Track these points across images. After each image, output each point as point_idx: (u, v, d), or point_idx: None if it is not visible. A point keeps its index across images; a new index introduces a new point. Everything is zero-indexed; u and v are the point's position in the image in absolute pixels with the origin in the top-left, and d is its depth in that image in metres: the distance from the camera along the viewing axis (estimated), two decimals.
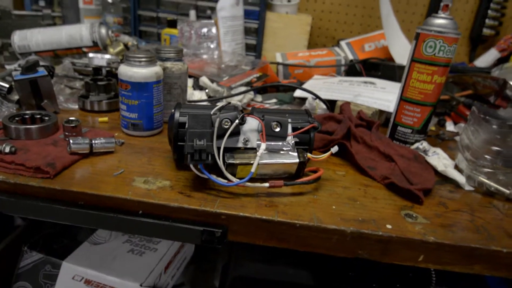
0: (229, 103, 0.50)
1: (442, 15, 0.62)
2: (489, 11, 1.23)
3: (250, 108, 0.83)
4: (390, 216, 0.47)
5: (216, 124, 0.46)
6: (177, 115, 0.50)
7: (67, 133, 0.58)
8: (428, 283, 0.72)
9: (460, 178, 0.58)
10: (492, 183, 0.56)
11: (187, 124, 0.47)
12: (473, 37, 1.29)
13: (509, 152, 0.57)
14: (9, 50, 1.01)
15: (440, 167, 0.60)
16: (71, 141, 0.53)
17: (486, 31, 1.26)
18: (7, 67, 0.97)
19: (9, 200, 0.47)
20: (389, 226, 0.45)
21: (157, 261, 0.73)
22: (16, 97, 0.70)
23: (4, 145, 0.52)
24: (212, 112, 0.49)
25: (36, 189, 0.47)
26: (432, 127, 0.86)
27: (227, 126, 0.48)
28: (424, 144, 0.67)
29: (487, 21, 1.24)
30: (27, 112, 0.62)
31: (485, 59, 1.24)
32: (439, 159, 0.63)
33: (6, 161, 0.50)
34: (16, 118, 0.60)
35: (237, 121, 0.48)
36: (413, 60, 0.65)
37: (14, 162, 0.50)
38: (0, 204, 0.48)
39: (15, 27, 1.00)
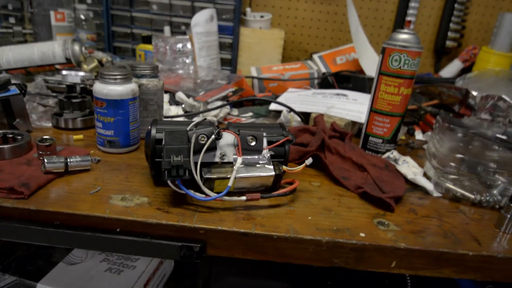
0: (205, 118, 0.51)
1: (406, 31, 0.66)
2: (451, 24, 1.31)
3: (226, 123, 0.85)
4: (363, 224, 0.49)
5: (193, 140, 0.47)
6: (153, 131, 0.51)
7: (41, 152, 0.57)
8: None
9: (429, 185, 0.61)
10: (458, 189, 0.60)
11: (163, 141, 0.48)
12: (438, 49, 1.36)
13: (472, 159, 0.60)
14: None
15: (409, 175, 0.63)
16: (45, 160, 0.53)
17: (449, 43, 1.33)
18: None
19: None
20: (362, 235, 0.46)
21: (136, 279, 0.72)
22: None
23: None
24: (188, 128, 0.50)
25: (10, 210, 0.46)
26: (402, 136, 0.90)
27: (203, 142, 0.49)
28: (394, 153, 0.70)
29: (449, 33, 1.32)
30: None
31: (450, 70, 1.31)
32: (408, 167, 0.66)
33: None
34: None
35: (213, 136, 0.49)
36: (380, 73, 0.68)
37: None
38: None
39: None
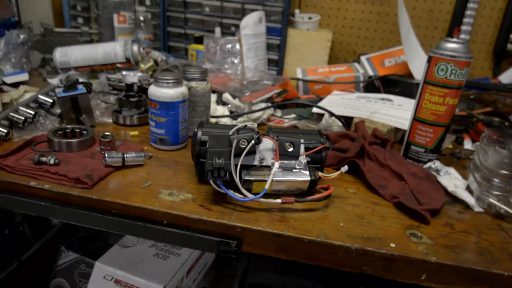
0: (246, 125, 0.55)
1: (454, 39, 0.64)
2: None
3: (269, 124, 0.88)
4: (395, 234, 0.50)
5: (234, 144, 0.51)
6: (199, 134, 0.56)
7: (102, 147, 0.64)
8: None
9: (470, 199, 0.60)
10: (502, 205, 0.58)
11: (208, 143, 0.52)
12: (497, 52, 1.28)
13: None
14: (51, 65, 1.10)
15: (450, 188, 0.62)
16: (106, 155, 0.59)
17: (510, 45, 1.25)
18: (49, 80, 1.06)
19: (54, 207, 0.54)
20: (392, 245, 0.48)
21: (180, 266, 0.78)
22: (58, 111, 0.78)
23: (49, 157, 0.59)
24: (230, 133, 0.54)
25: (76, 198, 0.53)
26: (449, 145, 0.87)
27: (244, 146, 0.52)
28: (436, 164, 0.69)
29: (511, 36, 1.23)
30: (68, 126, 0.69)
31: (510, 75, 1.23)
32: (450, 179, 0.65)
33: (51, 172, 0.57)
34: (59, 132, 0.67)
35: (253, 141, 0.52)
36: (425, 82, 0.67)
37: (57, 173, 0.56)
38: (45, 210, 0.55)
39: (56, 43, 1.10)
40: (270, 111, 0.89)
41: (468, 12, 1.21)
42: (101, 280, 0.74)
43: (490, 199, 0.59)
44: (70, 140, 0.64)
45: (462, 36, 1.23)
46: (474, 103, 1.06)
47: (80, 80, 0.85)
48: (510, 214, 0.57)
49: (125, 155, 0.61)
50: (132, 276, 0.73)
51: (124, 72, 0.89)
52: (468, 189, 0.63)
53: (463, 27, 1.23)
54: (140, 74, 0.89)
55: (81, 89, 0.76)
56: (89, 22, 1.36)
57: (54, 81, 1.03)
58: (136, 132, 0.76)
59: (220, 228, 0.50)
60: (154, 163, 0.64)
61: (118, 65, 1.06)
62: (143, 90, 0.87)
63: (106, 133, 0.65)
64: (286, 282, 0.77)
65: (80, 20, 1.37)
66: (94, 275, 0.75)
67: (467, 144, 0.88)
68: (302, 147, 0.55)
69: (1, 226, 1.05)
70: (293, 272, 0.78)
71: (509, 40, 1.24)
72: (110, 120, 0.81)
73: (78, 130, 0.69)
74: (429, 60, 0.66)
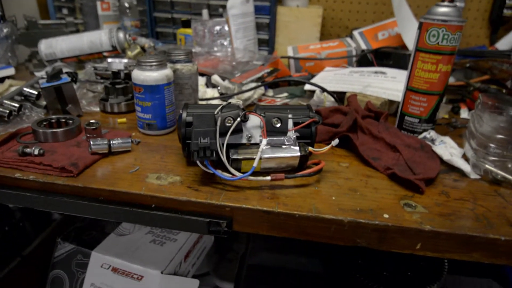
0: (230, 102, 0.53)
1: (445, 3, 0.62)
2: None
3: (260, 104, 0.87)
4: (389, 205, 0.49)
5: (218, 123, 0.49)
6: (184, 115, 0.54)
7: (88, 135, 0.63)
8: (440, 271, 0.72)
9: (465, 167, 0.58)
10: (498, 171, 0.56)
11: (193, 124, 0.51)
12: (494, 19, 1.24)
13: None
14: (37, 58, 1.08)
15: (445, 156, 0.61)
16: (91, 142, 0.58)
17: (507, 12, 1.21)
18: (36, 74, 1.05)
19: (39, 197, 0.53)
20: (386, 216, 0.46)
21: (177, 251, 0.78)
22: (43, 102, 0.77)
23: (33, 148, 0.57)
24: (215, 112, 0.52)
25: (62, 187, 0.52)
26: (445, 115, 0.86)
27: (230, 124, 0.51)
28: (431, 133, 0.67)
29: (507, 1, 1.20)
30: (53, 116, 0.68)
31: (507, 41, 1.20)
32: (446, 148, 0.63)
33: (36, 162, 0.55)
34: (44, 123, 0.66)
35: (238, 119, 0.51)
36: (417, 49, 0.65)
37: (42, 163, 0.55)
38: (31, 201, 0.54)
39: (41, 35, 1.08)
40: (261, 91, 0.87)
41: None
42: (98, 269, 0.74)
43: (487, 165, 0.57)
44: (55, 130, 0.63)
45: (457, 2, 1.20)
46: (471, 72, 1.03)
47: (65, 70, 0.83)
48: (508, 179, 0.56)
49: (111, 142, 0.59)
50: (129, 263, 0.72)
51: (109, 60, 0.87)
52: (464, 157, 0.62)
53: None
54: (126, 60, 0.87)
55: (65, 78, 0.74)
56: (74, 12, 1.34)
57: (41, 74, 1.01)
58: (124, 119, 0.74)
59: (210, 209, 0.49)
60: (142, 148, 0.63)
61: (105, 54, 1.04)
62: (130, 76, 0.85)
63: (92, 121, 0.63)
64: (284, 261, 0.76)
65: (65, 11, 1.34)
66: (91, 264, 0.74)
67: (464, 113, 0.86)
68: (290, 122, 0.54)
69: (1, 223, 1.05)
70: (292, 251, 0.78)
71: (506, 6, 1.21)
72: (98, 109, 0.80)
73: (63, 120, 0.68)
74: (420, 26, 0.64)
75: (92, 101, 0.83)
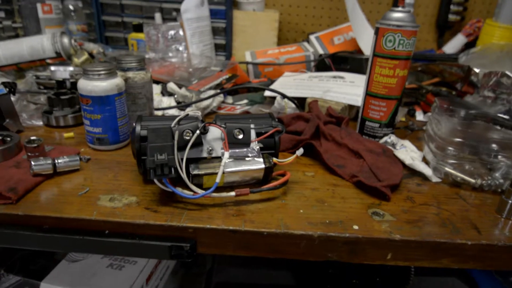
0: (188, 114, 0.49)
1: (400, 9, 0.62)
2: None
3: (220, 112, 0.83)
4: (357, 216, 0.48)
5: (176, 137, 0.46)
6: (137, 128, 0.50)
7: (29, 154, 0.56)
8: (407, 275, 0.73)
9: (427, 171, 0.59)
10: (458, 173, 0.58)
11: (147, 139, 0.47)
12: (440, 24, 1.31)
13: (473, 141, 0.58)
14: None
15: (407, 161, 0.61)
16: (32, 162, 0.52)
17: (451, 17, 1.28)
18: None
19: None
20: (356, 227, 0.45)
21: (137, 274, 0.72)
22: None
23: None
24: (172, 125, 0.48)
25: None
26: (402, 117, 0.88)
27: (188, 137, 0.47)
28: (392, 138, 0.68)
29: (452, 7, 1.26)
30: None
31: (453, 45, 1.26)
32: (406, 152, 0.64)
33: None
34: None
35: (198, 131, 0.47)
36: (374, 54, 0.65)
37: None
38: None
39: None
40: (220, 98, 0.84)
41: None
42: None
43: (446, 168, 0.59)
44: None
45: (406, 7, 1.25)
46: (422, 75, 1.07)
47: (2, 80, 0.75)
48: (466, 181, 0.57)
49: (56, 161, 0.53)
50: None
51: (52, 68, 0.79)
52: (424, 160, 0.63)
53: (407, 0, 1.24)
54: (71, 68, 0.80)
55: (1, 90, 0.66)
56: (12, 16, 1.22)
57: None
58: (71, 134, 0.68)
59: (171, 231, 0.45)
60: (92, 166, 0.57)
61: (48, 61, 0.95)
62: (76, 86, 0.78)
63: (32, 138, 0.57)
64: (254, 276, 0.73)
65: (1, 14, 1.22)
66: None
67: (419, 116, 0.89)
68: (253, 132, 0.51)
69: None
70: (261, 264, 0.75)
71: (450, 11, 1.27)
72: (41, 123, 0.72)
73: (0, 138, 0.60)
74: (377, 31, 0.64)
75: (34, 114, 0.75)
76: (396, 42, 0.62)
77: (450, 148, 0.58)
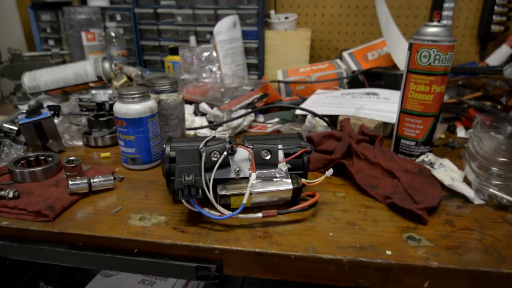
0: (214, 136, 0.50)
1: (434, 23, 0.60)
2: (496, 7, 1.19)
3: (251, 130, 0.84)
4: (390, 240, 0.45)
5: (203, 158, 0.46)
6: (167, 150, 0.51)
7: (68, 173, 0.59)
8: None
9: (468, 192, 0.55)
10: (503, 195, 0.53)
11: (176, 160, 0.48)
12: (482, 35, 1.24)
13: None
14: (21, 91, 1.05)
15: (446, 181, 0.57)
16: (70, 182, 0.54)
17: (494, 27, 1.21)
18: (20, 107, 1.02)
19: (12, 245, 0.49)
20: (388, 252, 0.43)
21: None
22: (24, 139, 0.73)
23: (8, 190, 0.53)
24: (200, 146, 0.49)
25: (37, 233, 0.48)
26: (441, 134, 0.83)
27: (216, 158, 0.48)
28: (430, 157, 0.65)
29: (494, 17, 1.20)
30: (31, 154, 0.64)
31: (497, 56, 1.20)
32: (446, 172, 0.60)
33: (9, 206, 0.51)
34: (22, 162, 0.62)
35: (225, 152, 0.47)
36: (409, 71, 0.63)
37: (16, 207, 0.51)
38: (4, 249, 0.49)
39: (26, 68, 1.05)
40: (251, 117, 0.84)
41: None
42: None
43: (490, 190, 0.54)
44: (32, 170, 0.59)
45: (444, 20, 1.20)
46: (464, 89, 1.02)
47: (48, 103, 0.80)
48: None
49: (92, 180, 0.56)
50: None
51: (93, 91, 0.84)
52: (466, 180, 0.59)
53: (444, 13, 1.20)
54: (110, 91, 0.85)
55: (45, 113, 0.71)
56: (60, 43, 1.32)
57: (25, 107, 0.98)
58: (108, 154, 0.71)
59: (197, 252, 0.45)
60: (125, 185, 0.59)
61: (91, 84, 1.01)
62: None
63: (71, 158, 0.60)
64: None
65: (51, 42, 1.32)
66: None
67: (460, 132, 0.84)
68: (280, 153, 0.50)
69: None
70: (291, 285, 0.73)
71: (493, 22, 1.21)
72: (81, 143, 0.76)
73: (42, 158, 0.64)
74: (410, 47, 0.62)
75: (76, 134, 0.79)
76: (432, 57, 0.59)
77: (494, 168, 0.54)
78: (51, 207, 0.50)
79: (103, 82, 1.01)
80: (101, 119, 0.75)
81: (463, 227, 0.49)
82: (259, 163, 0.49)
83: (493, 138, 0.56)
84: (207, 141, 0.49)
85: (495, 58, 1.19)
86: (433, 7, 1.22)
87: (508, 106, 0.84)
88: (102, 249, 0.47)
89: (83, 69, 0.99)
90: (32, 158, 0.64)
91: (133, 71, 1.09)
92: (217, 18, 1.16)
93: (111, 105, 0.83)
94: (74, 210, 0.52)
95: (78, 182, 0.54)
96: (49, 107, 0.76)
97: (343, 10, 1.29)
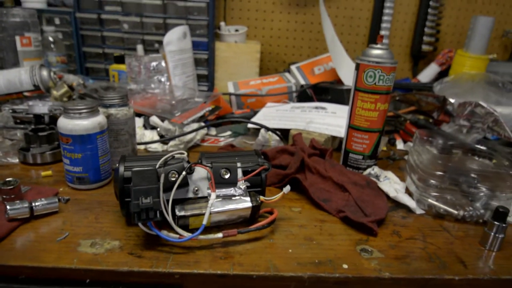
0: (173, 156, 0.49)
1: (379, 46, 0.65)
2: (426, 29, 1.32)
3: (203, 144, 0.83)
4: (346, 253, 0.47)
5: (162, 180, 0.45)
6: (121, 169, 0.48)
7: (4, 196, 0.53)
8: None
9: (411, 203, 0.60)
10: (440, 205, 0.59)
11: (131, 181, 0.46)
12: (414, 54, 1.36)
13: (453, 172, 0.59)
14: None
15: (391, 193, 0.62)
16: (8, 206, 0.49)
17: (425, 47, 1.34)
18: None
19: None
20: (345, 266, 0.45)
21: None
22: None
23: None
24: (157, 166, 0.47)
25: None
26: (383, 147, 0.89)
27: (174, 179, 0.46)
28: (375, 169, 0.69)
29: (424, 38, 1.33)
30: None
31: (427, 74, 1.32)
32: (390, 184, 0.65)
33: None
34: None
35: (184, 172, 0.46)
36: (356, 89, 0.67)
37: None
38: None
39: None
40: (203, 131, 0.83)
41: (385, 18, 1.28)
42: None
43: (429, 200, 0.60)
44: None
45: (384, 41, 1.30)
46: (400, 103, 1.11)
47: None
48: (449, 212, 0.58)
49: (34, 204, 0.51)
50: None
51: (30, 103, 0.77)
52: (407, 191, 0.64)
53: (382, 32, 1.29)
54: (50, 103, 0.78)
55: None
56: None
57: None
58: (49, 172, 0.65)
59: (156, 278, 0.43)
60: (72, 207, 0.55)
61: (26, 94, 0.93)
62: (55, 121, 0.76)
63: (8, 179, 0.54)
64: None
65: None
66: None
67: (399, 145, 0.91)
68: (239, 171, 0.51)
69: None
70: None
71: (423, 42, 1.33)
72: (17, 160, 0.69)
73: None
74: (357, 67, 0.66)
75: (10, 150, 0.72)
76: (377, 77, 0.64)
77: (432, 180, 0.59)
78: None
79: (40, 91, 0.93)
80: (40, 133, 0.69)
81: (408, 236, 0.53)
82: (218, 182, 0.49)
83: (430, 152, 0.62)
84: (166, 160, 0.47)
85: (425, 75, 1.32)
86: (372, 27, 1.32)
87: (439, 120, 0.93)
88: (49, 281, 0.43)
89: (17, 77, 0.90)
90: None
91: (74, 79, 1.03)
92: (166, 27, 1.14)
93: (51, 118, 0.77)
94: (13, 238, 0.47)
95: (18, 206, 0.50)
96: None
97: (290, 25, 1.33)
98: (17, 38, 1.00)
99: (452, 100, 0.88)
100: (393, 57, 0.65)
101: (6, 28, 1.01)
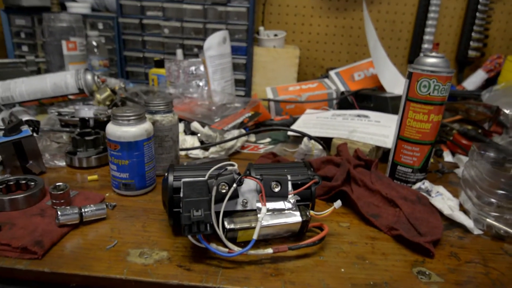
0: (226, 169, 0.48)
1: (434, 54, 0.61)
2: (473, 33, 1.25)
3: (243, 151, 0.82)
4: (402, 275, 0.45)
5: (214, 193, 0.44)
6: (170, 179, 0.48)
7: (54, 201, 0.54)
8: None
9: (468, 223, 0.56)
10: (501, 225, 0.55)
11: (181, 193, 0.45)
12: (460, 59, 1.30)
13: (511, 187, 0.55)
14: None
15: (446, 211, 0.58)
16: (59, 212, 0.50)
17: (471, 53, 1.28)
18: None
19: None
20: None
21: None
22: None
23: None
24: (207, 177, 0.46)
25: (24, 273, 0.43)
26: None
27: (224, 191, 0.45)
28: (426, 184, 0.65)
29: (471, 43, 1.26)
30: (11, 178, 0.59)
31: (473, 80, 1.25)
32: (443, 201, 0.61)
33: None
34: (0, 186, 0.57)
35: (234, 184, 0.45)
36: (408, 99, 0.64)
37: None
38: None
39: None
40: (244, 138, 0.82)
41: (429, 22, 1.23)
42: None
43: (488, 220, 0.56)
44: (13, 197, 0.54)
45: (425, 44, 1.25)
46: (445, 112, 1.05)
47: (25, 118, 0.74)
48: (510, 233, 0.54)
49: (83, 210, 0.51)
50: None
51: (77, 107, 0.79)
52: (462, 208, 0.60)
53: (426, 37, 1.24)
54: (96, 107, 0.80)
55: (26, 131, 0.65)
56: (35, 50, 1.24)
57: None
58: (95, 176, 0.66)
59: None
60: (118, 214, 0.55)
61: (70, 97, 0.96)
62: (100, 124, 0.78)
63: (58, 184, 0.55)
64: None
65: (25, 48, 1.24)
66: None
67: (447, 156, 0.86)
68: (290, 184, 0.49)
69: None
70: None
71: (470, 47, 1.27)
72: (63, 163, 0.71)
73: (24, 182, 0.59)
74: (410, 76, 0.63)
75: (57, 153, 0.74)
76: (431, 87, 0.60)
77: (492, 199, 0.55)
78: (39, 242, 0.46)
79: (84, 94, 0.96)
80: (87, 138, 0.70)
81: (467, 260, 0.49)
82: (268, 195, 0.47)
83: (492, 170, 0.57)
84: (218, 175, 0.46)
85: (471, 82, 1.25)
86: (415, 31, 1.27)
87: (490, 131, 0.87)
88: None
89: (63, 80, 0.93)
90: (12, 182, 0.58)
91: (116, 83, 1.05)
92: (205, 32, 1.14)
93: (96, 122, 0.78)
94: (64, 245, 0.48)
95: (69, 212, 0.50)
96: (27, 122, 0.70)
97: (329, 29, 1.30)
98: (63, 43, 1.03)
99: (507, 111, 0.83)
100: (449, 66, 0.61)
101: (53, 32, 1.04)
